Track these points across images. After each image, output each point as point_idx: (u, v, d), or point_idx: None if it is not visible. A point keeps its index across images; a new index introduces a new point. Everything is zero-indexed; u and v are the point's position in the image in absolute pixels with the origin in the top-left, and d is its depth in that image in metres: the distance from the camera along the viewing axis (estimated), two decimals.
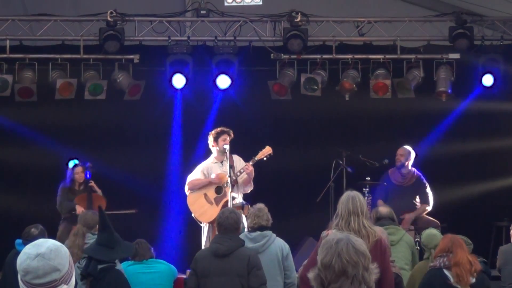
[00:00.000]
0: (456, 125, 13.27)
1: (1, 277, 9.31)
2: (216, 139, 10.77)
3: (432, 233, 8.31)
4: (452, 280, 6.96)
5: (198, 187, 10.80)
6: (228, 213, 7.63)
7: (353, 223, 6.11)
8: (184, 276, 9.92)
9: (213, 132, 10.86)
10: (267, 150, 10.73)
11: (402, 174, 12.04)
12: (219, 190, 10.71)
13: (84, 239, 8.11)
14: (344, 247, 3.13)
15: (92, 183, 11.81)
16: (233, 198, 10.64)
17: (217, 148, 10.79)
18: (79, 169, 11.83)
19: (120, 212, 11.54)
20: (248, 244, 7.95)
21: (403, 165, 11.97)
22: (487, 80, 12.53)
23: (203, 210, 10.74)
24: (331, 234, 3.72)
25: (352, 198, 6.21)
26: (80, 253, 7.55)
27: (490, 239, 12.76)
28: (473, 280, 6.98)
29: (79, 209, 11.37)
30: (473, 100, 12.87)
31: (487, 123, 13.29)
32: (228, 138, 10.71)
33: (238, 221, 7.61)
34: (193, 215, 10.87)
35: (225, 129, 10.83)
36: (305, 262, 6.81)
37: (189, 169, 11.09)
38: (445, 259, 6.99)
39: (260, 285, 7.45)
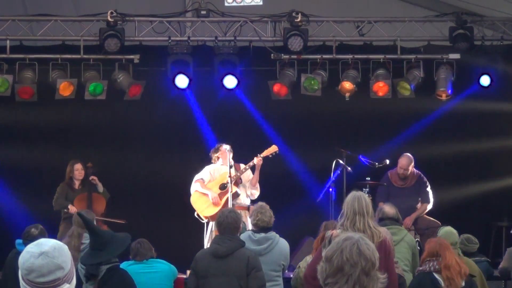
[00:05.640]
0: (456, 125, 13.29)
1: (1, 277, 9.31)
2: (215, 156, 10.93)
3: (450, 231, 8.26)
4: (442, 283, 6.91)
5: (203, 192, 10.88)
6: (228, 212, 7.67)
7: (358, 223, 6.09)
8: (184, 276, 9.92)
9: (210, 153, 11.03)
10: (273, 148, 10.80)
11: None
12: (223, 186, 10.77)
13: (81, 239, 8.15)
14: (349, 246, 3.14)
15: (94, 178, 11.81)
16: (238, 195, 10.73)
17: (221, 161, 10.92)
18: (79, 165, 11.83)
19: (109, 220, 11.55)
20: (251, 246, 7.95)
21: (407, 177, 11.88)
22: (485, 80, 12.54)
23: (206, 205, 10.82)
24: (342, 233, 3.72)
25: (357, 198, 6.19)
26: (76, 254, 7.58)
27: (490, 239, 12.77)
28: (463, 284, 6.90)
29: (72, 209, 11.39)
30: (472, 100, 12.88)
31: (487, 123, 13.29)
32: (224, 148, 10.82)
33: (238, 220, 7.62)
34: (195, 213, 10.90)
35: (214, 148, 11.03)
36: (309, 262, 6.81)
37: (189, 168, 11.10)
38: (435, 263, 6.92)
39: (260, 287, 7.46)
